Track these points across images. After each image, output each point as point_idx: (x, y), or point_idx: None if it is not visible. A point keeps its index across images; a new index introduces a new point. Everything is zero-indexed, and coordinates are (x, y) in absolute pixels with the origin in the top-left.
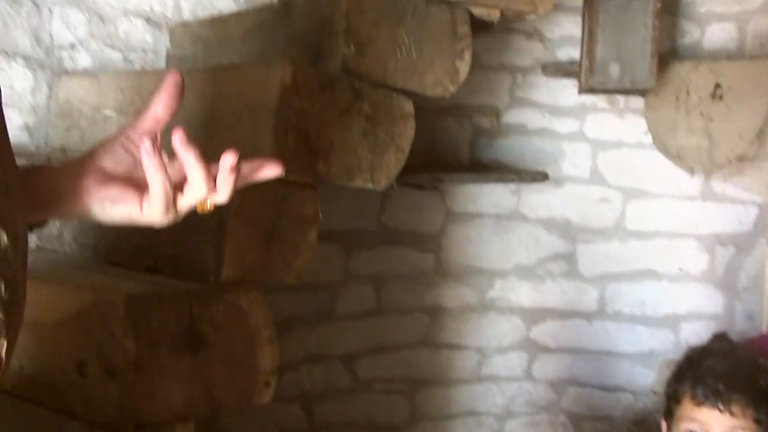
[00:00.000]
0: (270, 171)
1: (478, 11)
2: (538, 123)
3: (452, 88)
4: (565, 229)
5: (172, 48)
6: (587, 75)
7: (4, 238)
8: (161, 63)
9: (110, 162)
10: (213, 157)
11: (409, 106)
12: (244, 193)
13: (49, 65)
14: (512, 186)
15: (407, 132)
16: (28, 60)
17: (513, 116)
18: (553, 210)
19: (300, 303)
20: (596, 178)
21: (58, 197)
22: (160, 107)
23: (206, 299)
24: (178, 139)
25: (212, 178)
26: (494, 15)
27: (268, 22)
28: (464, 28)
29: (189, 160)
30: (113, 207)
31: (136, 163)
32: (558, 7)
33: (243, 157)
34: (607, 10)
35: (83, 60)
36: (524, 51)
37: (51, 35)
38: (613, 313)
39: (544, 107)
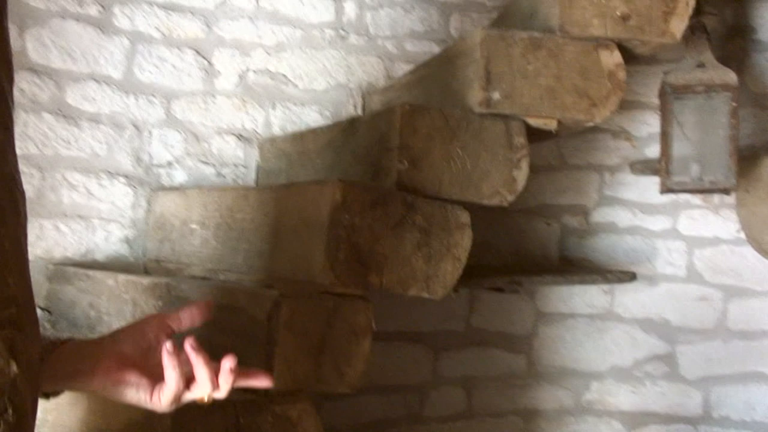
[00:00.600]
0: (260, 382)
1: (534, 122)
2: (628, 221)
3: (510, 197)
4: (663, 329)
5: (261, 162)
6: (666, 175)
7: (14, 368)
8: (251, 176)
9: (130, 346)
10: (275, 269)
11: (464, 217)
12: (293, 306)
13: (148, 182)
14: (604, 285)
15: (463, 242)
16: (129, 178)
17: (602, 215)
18: (649, 309)
19: (388, 405)
20: (693, 276)
21: (77, 374)
22: (188, 318)
23: (254, 410)
24: (189, 345)
25: (216, 376)
26: (551, 125)
27: (337, 139)
28: (520, 140)
29: (198, 363)
30: (127, 390)
31: (152, 350)
32: (644, 106)
33: (297, 272)
34: (684, 110)
35: (179, 176)
36: (611, 150)
37: (150, 154)
38: (720, 418)
39: (634, 205)
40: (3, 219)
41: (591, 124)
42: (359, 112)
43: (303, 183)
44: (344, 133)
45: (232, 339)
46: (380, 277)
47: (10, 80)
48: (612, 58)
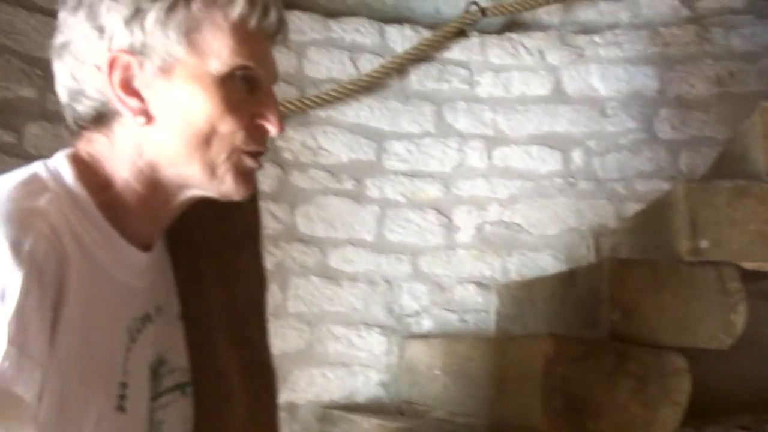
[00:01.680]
0: None
1: (750, 266)
2: None
3: (729, 341)
4: None
5: (499, 306)
6: None
7: None
8: (492, 320)
9: None
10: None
11: (681, 362)
12: None
13: (399, 330)
14: None
15: (682, 386)
16: (383, 328)
17: None
18: None
19: None
20: None
21: None
22: None
23: None
24: None
25: None
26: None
27: (559, 289)
28: (734, 284)
29: None
30: None
31: None
32: None
33: (520, 419)
34: None
35: (426, 323)
36: None
37: (400, 306)
38: None
39: None
40: (258, 398)
41: None
42: (591, 253)
43: (521, 336)
44: (564, 284)
45: None
46: (597, 425)
47: (264, 290)
48: None
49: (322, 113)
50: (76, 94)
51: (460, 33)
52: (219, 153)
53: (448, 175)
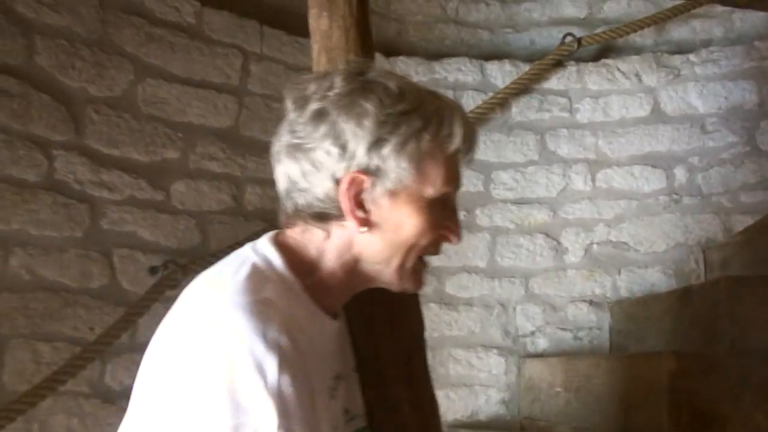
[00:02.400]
0: None
1: None
2: None
3: None
4: None
5: (612, 323)
6: None
7: None
8: (605, 336)
9: None
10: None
11: None
12: None
13: (516, 350)
14: None
15: None
16: (500, 349)
17: None
18: None
19: None
20: None
21: None
22: None
23: None
24: None
25: None
26: None
27: (675, 306)
28: None
29: None
30: None
31: None
32: None
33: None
34: None
35: (541, 343)
36: None
37: (516, 327)
38: None
39: None
40: (427, 427)
41: None
42: (701, 267)
43: (642, 353)
44: (680, 301)
45: None
46: None
47: (423, 329)
48: None
49: None
50: (300, 191)
51: (558, 63)
52: (410, 260)
53: (554, 199)
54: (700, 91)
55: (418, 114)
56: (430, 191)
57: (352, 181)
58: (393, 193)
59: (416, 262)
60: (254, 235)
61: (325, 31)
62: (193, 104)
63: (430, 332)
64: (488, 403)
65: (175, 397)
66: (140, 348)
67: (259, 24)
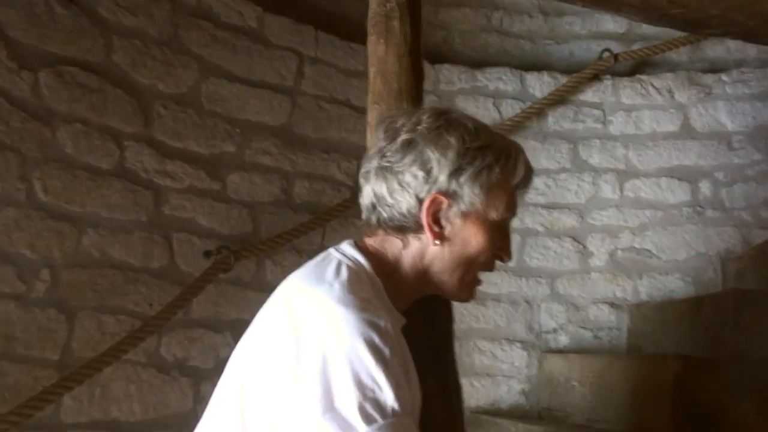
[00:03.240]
0: None
1: None
2: None
3: None
4: None
5: (631, 325)
6: None
7: None
8: (623, 337)
9: None
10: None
11: None
12: None
13: (538, 345)
14: None
15: None
16: (523, 343)
17: None
18: None
19: None
20: None
21: None
22: None
23: None
24: None
25: None
26: None
27: (689, 312)
28: None
29: None
30: None
31: None
32: None
33: (651, 428)
34: None
35: (563, 340)
36: None
37: (539, 324)
38: None
39: None
40: (450, 407)
41: None
42: (719, 276)
43: (653, 355)
44: (693, 309)
45: None
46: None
47: (451, 325)
48: None
49: None
50: (386, 206)
51: (594, 77)
52: (469, 273)
53: (583, 206)
54: (729, 110)
55: (491, 150)
56: (494, 215)
57: (433, 201)
58: (465, 214)
59: (475, 278)
60: (301, 226)
61: (382, 57)
62: (250, 102)
63: (458, 324)
64: (509, 392)
65: (301, 382)
66: (193, 324)
67: (314, 29)
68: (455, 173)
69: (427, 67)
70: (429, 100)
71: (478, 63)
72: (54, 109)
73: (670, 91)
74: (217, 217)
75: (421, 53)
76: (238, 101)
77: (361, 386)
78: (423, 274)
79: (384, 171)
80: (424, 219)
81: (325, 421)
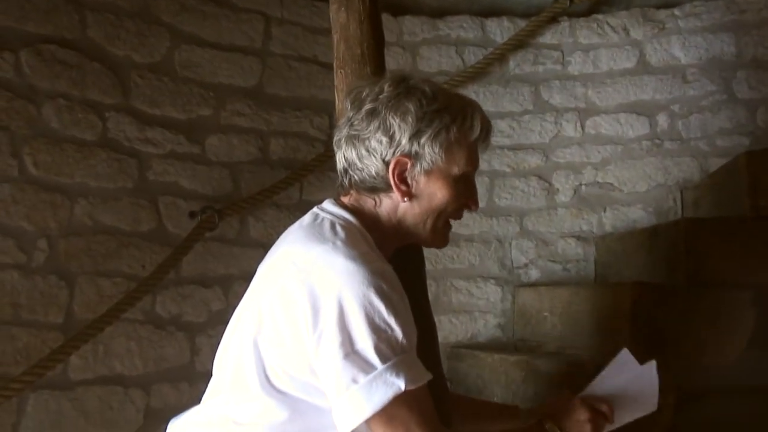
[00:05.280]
0: None
1: None
2: None
3: None
4: None
5: (597, 256)
6: None
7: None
8: (591, 268)
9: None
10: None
11: (746, 296)
12: None
13: (511, 281)
14: None
15: (747, 319)
16: (497, 279)
17: None
18: None
19: None
20: None
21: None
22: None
23: None
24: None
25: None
26: None
27: (646, 243)
28: None
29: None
30: None
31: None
32: None
33: (611, 349)
34: None
35: (534, 274)
36: None
37: (511, 260)
38: None
39: None
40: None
41: None
42: (678, 205)
43: (613, 284)
44: (650, 238)
45: None
46: (677, 350)
47: (424, 267)
48: None
49: None
50: (356, 170)
51: (551, 19)
52: (440, 222)
53: (547, 145)
54: (682, 44)
55: (447, 111)
56: (456, 170)
57: (398, 163)
58: (428, 172)
59: (446, 225)
60: (280, 182)
61: (344, 24)
62: (222, 66)
63: (435, 266)
64: (486, 327)
65: (321, 332)
66: (184, 282)
67: None
68: (415, 136)
69: (390, 20)
70: (394, 52)
71: (440, 12)
72: (37, 87)
73: (625, 29)
74: (199, 179)
75: (380, 18)
76: (210, 66)
77: (376, 329)
78: (398, 227)
79: (352, 139)
80: (392, 180)
81: (347, 363)
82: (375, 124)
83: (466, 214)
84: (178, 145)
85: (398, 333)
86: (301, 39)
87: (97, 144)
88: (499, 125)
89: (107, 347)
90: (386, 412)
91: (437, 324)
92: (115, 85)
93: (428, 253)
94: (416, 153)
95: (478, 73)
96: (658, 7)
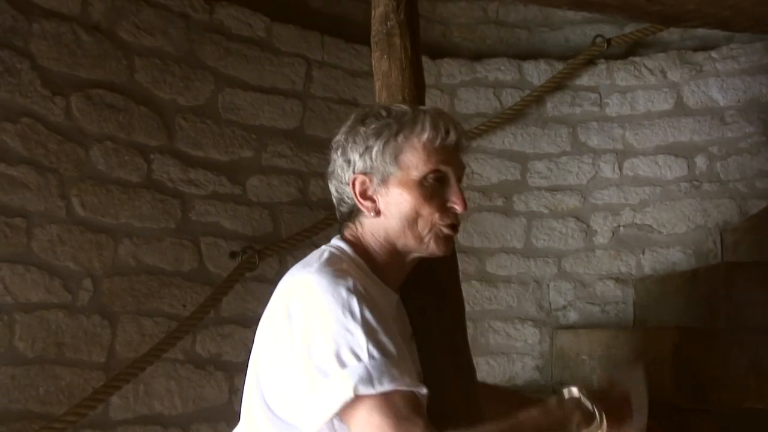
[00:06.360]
0: None
1: None
2: None
3: None
4: None
5: (636, 298)
6: None
7: None
8: (629, 310)
9: None
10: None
11: None
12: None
13: (549, 322)
14: None
15: None
16: (535, 321)
17: None
18: None
19: None
20: None
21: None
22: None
23: None
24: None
25: None
26: None
27: (685, 285)
28: None
29: None
30: None
31: None
32: None
33: (652, 394)
34: None
35: (572, 316)
36: None
37: (549, 302)
38: None
39: None
40: (467, 388)
41: None
42: (717, 247)
43: (653, 327)
44: (689, 282)
45: None
46: (719, 395)
47: (463, 310)
48: None
49: (473, 144)
50: (339, 201)
51: (589, 62)
52: (423, 228)
53: (585, 186)
54: (720, 86)
55: (396, 122)
56: (415, 174)
57: (355, 181)
58: (386, 183)
59: (437, 231)
60: (319, 223)
61: (385, 71)
62: (264, 108)
63: (472, 306)
64: (524, 369)
65: (293, 349)
66: (224, 322)
67: (320, 34)
68: (366, 152)
69: (429, 62)
70: (432, 94)
71: (477, 55)
72: (86, 130)
73: (662, 71)
74: (240, 220)
75: (421, 65)
76: (252, 108)
77: (335, 335)
78: (388, 246)
79: (331, 175)
80: (356, 198)
81: (313, 374)
82: (339, 153)
83: (504, 256)
84: (220, 186)
85: (360, 338)
86: (341, 81)
87: (142, 185)
88: (537, 166)
89: (148, 387)
90: (356, 416)
91: (475, 366)
92: (160, 127)
93: (466, 294)
94: (371, 168)
95: (515, 115)
96: (695, 49)
